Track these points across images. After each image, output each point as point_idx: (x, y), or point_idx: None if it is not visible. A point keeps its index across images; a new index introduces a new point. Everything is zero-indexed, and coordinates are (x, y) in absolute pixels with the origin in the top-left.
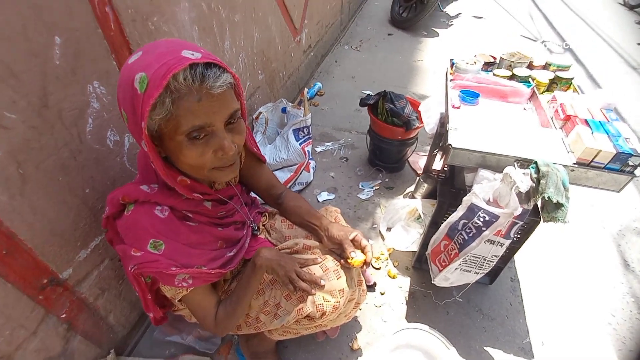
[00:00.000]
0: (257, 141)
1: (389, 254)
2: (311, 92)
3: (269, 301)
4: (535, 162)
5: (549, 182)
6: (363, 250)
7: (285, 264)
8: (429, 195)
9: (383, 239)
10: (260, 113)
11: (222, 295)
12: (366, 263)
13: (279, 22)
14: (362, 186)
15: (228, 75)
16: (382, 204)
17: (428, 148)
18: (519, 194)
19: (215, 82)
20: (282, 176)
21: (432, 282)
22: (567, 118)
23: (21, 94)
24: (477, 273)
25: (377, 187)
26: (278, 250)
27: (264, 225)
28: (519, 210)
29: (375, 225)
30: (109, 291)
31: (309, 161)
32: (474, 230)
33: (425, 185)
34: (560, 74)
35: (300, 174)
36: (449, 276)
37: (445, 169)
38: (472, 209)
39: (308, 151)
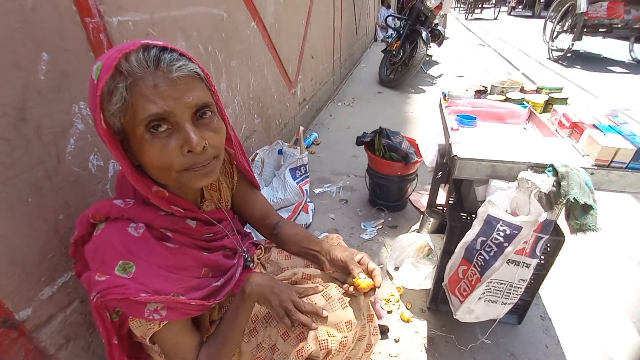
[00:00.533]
0: None
1: (400, 295)
2: (307, 142)
3: (262, 344)
4: (551, 165)
5: (571, 182)
6: (370, 275)
7: (280, 292)
8: (436, 231)
9: (391, 279)
10: (256, 154)
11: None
12: (375, 288)
13: (274, 73)
14: (364, 226)
15: (192, 64)
16: (386, 242)
17: (429, 187)
18: (540, 199)
19: (172, 65)
20: None
21: (454, 316)
22: (574, 125)
23: None
24: (505, 304)
25: (380, 227)
26: (272, 277)
27: (259, 259)
28: (544, 216)
29: (382, 265)
30: (76, 341)
31: (308, 203)
32: (495, 248)
33: (431, 220)
34: (554, 95)
35: (298, 214)
36: (473, 308)
37: (451, 198)
38: (490, 222)
39: (306, 190)
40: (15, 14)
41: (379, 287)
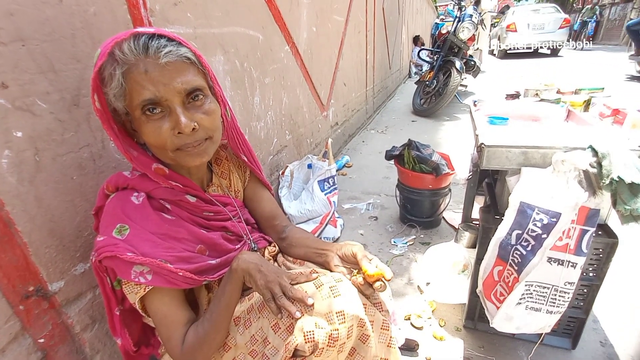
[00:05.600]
0: (282, 195)
1: (432, 311)
2: (339, 164)
3: (255, 336)
4: (590, 146)
5: (613, 161)
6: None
7: (268, 272)
8: (472, 247)
9: (422, 293)
10: (286, 167)
11: None
12: (385, 280)
13: (306, 94)
14: (394, 242)
15: (182, 48)
16: (417, 259)
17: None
18: (579, 182)
19: (159, 52)
20: (307, 228)
21: (491, 325)
22: (616, 112)
23: (56, 88)
24: (551, 312)
25: (411, 243)
26: (263, 258)
27: (272, 257)
28: (584, 198)
29: (413, 281)
30: (101, 325)
31: (336, 218)
32: (532, 241)
33: (467, 234)
34: (595, 94)
35: (326, 226)
36: (512, 314)
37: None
38: (524, 211)
39: (334, 202)
40: (80, 16)
41: (389, 280)
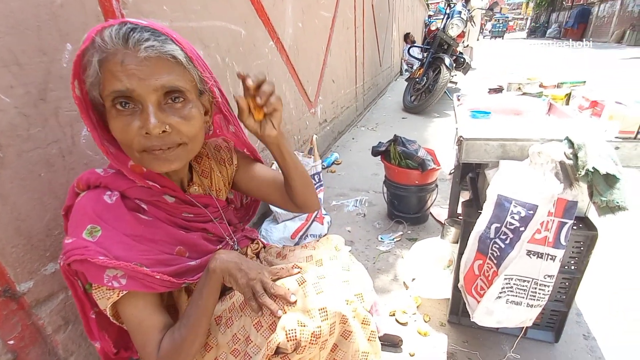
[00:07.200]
0: None
1: (417, 307)
2: (328, 161)
3: (237, 334)
4: (567, 137)
5: (589, 152)
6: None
7: (248, 270)
8: (457, 242)
9: (407, 288)
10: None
11: None
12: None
13: (293, 91)
14: (381, 238)
15: (169, 46)
16: (404, 255)
17: None
18: (556, 175)
19: (139, 44)
20: (292, 225)
21: (471, 319)
22: (594, 104)
23: (20, 82)
24: (531, 306)
25: (398, 239)
26: (242, 255)
27: (255, 253)
28: (560, 190)
29: (398, 277)
30: (75, 326)
31: (323, 215)
32: (510, 234)
33: (452, 229)
34: (576, 87)
35: (312, 223)
36: (493, 308)
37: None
38: (502, 204)
39: (320, 199)
40: (46, 8)
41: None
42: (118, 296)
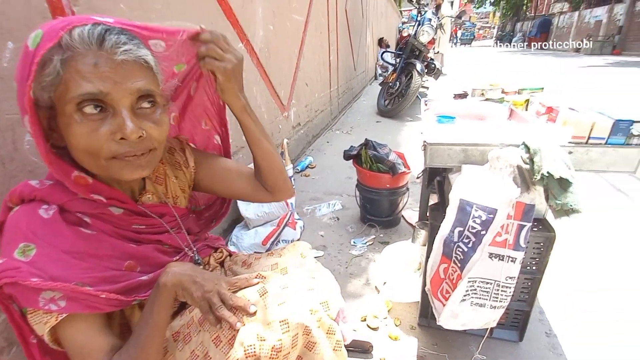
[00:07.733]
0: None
1: (388, 311)
2: (302, 165)
3: (196, 351)
4: (523, 142)
5: (544, 156)
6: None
7: (204, 282)
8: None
9: (378, 292)
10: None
11: None
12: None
13: (264, 94)
14: (354, 243)
15: (142, 50)
16: (376, 259)
17: None
18: (514, 179)
19: (116, 47)
20: (264, 231)
21: (437, 322)
22: (550, 110)
23: None
24: (494, 307)
25: (370, 243)
26: (196, 266)
27: (218, 262)
28: (517, 194)
29: (370, 282)
30: (20, 348)
31: (296, 220)
32: (473, 238)
33: (422, 232)
34: (535, 94)
35: (283, 228)
36: (457, 311)
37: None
38: (464, 208)
39: (291, 204)
40: None
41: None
42: (56, 320)
